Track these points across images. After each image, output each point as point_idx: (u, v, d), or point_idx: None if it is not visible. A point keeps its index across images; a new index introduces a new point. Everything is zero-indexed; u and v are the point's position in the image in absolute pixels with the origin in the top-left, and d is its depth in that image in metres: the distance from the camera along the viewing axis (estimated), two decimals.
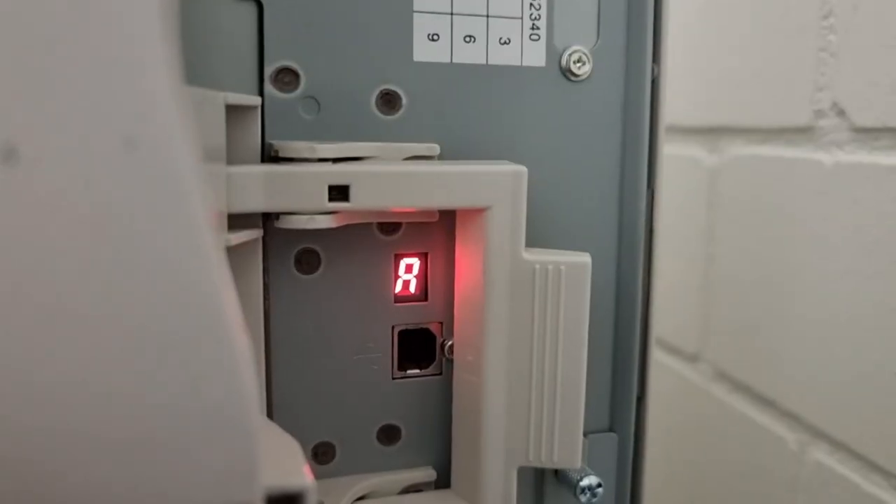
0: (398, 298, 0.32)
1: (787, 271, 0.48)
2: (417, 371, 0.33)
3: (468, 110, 0.32)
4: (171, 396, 0.17)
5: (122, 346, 0.16)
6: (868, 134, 0.41)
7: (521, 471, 0.32)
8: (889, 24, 0.40)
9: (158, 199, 0.16)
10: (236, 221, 0.27)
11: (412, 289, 0.32)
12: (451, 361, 0.33)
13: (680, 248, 0.59)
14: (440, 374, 0.33)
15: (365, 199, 0.28)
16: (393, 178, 0.28)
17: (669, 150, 0.60)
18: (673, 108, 0.59)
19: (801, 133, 0.46)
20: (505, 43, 0.32)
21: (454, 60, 0.31)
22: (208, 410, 0.17)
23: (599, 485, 0.33)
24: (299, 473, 0.20)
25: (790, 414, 0.48)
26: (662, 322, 0.61)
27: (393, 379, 0.33)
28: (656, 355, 0.62)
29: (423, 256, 0.32)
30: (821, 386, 0.45)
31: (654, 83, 0.33)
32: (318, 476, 0.32)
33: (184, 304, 0.17)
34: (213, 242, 0.17)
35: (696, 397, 0.58)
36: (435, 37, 0.31)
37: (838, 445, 0.44)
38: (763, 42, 0.50)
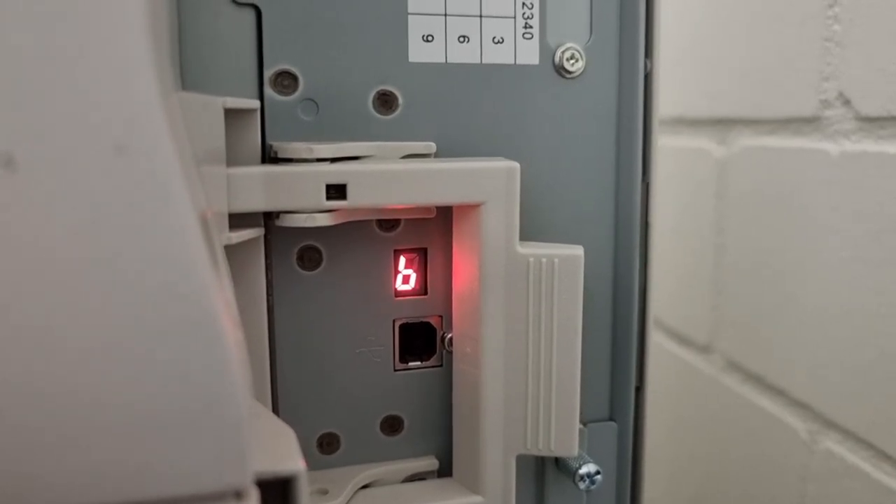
0: (398, 293, 0.33)
1: (795, 261, 0.48)
2: (419, 363, 0.34)
3: (464, 109, 0.32)
4: (162, 386, 0.18)
5: (115, 340, 0.17)
6: (874, 123, 0.41)
7: (523, 459, 0.33)
8: (894, 13, 0.40)
9: (148, 201, 0.18)
10: (238, 221, 0.29)
11: (412, 283, 0.33)
12: (451, 353, 0.34)
13: (690, 239, 0.59)
14: (441, 365, 0.34)
15: (362, 198, 0.29)
16: (388, 176, 0.29)
17: (679, 142, 0.60)
18: (681, 101, 0.59)
19: (807, 123, 0.46)
20: (498, 42, 0.32)
21: (449, 60, 0.32)
22: (198, 399, 0.18)
23: (598, 472, 0.33)
24: (291, 458, 0.21)
25: (801, 403, 0.48)
26: (673, 313, 0.62)
27: (395, 371, 0.34)
28: (668, 347, 0.62)
29: (422, 252, 0.33)
30: (831, 375, 0.45)
31: (648, 78, 0.34)
32: (323, 466, 0.33)
33: (174, 299, 0.18)
34: (203, 242, 0.18)
35: (708, 388, 0.58)
36: (429, 38, 0.32)
37: (848, 435, 0.44)
38: (768, 33, 0.50)
